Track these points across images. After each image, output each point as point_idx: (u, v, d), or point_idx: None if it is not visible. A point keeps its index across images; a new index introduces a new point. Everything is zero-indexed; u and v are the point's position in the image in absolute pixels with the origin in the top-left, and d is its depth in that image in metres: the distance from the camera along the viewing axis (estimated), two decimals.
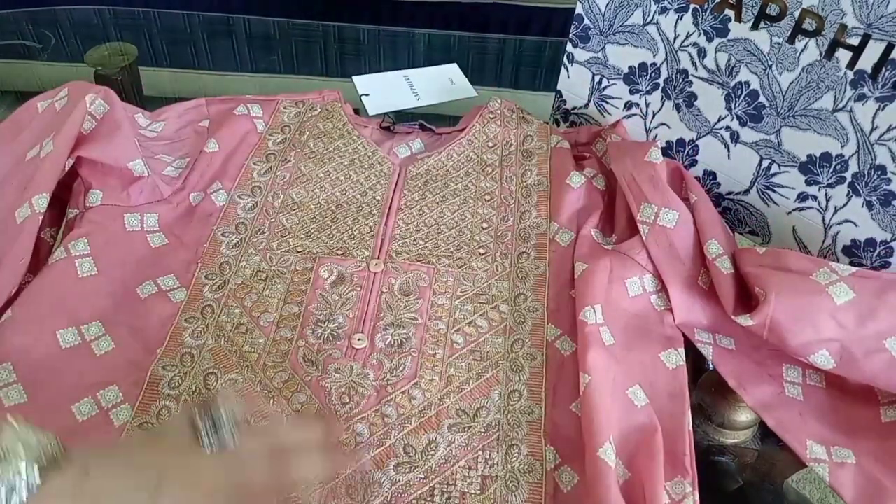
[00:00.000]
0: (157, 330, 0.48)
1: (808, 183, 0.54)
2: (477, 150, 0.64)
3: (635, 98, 0.63)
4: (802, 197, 0.54)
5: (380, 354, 0.47)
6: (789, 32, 0.50)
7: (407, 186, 0.60)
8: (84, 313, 0.48)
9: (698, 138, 0.60)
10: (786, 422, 0.44)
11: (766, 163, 0.56)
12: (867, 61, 0.47)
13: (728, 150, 0.58)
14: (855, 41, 0.47)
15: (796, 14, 0.49)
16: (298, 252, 0.54)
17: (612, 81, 0.64)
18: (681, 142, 0.61)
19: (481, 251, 0.55)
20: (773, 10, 0.50)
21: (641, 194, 0.53)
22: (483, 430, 0.43)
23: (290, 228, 0.56)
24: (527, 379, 0.46)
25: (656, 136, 0.63)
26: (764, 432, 0.48)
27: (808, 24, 0.49)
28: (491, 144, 0.65)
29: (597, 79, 0.65)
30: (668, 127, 0.61)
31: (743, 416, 0.48)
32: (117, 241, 0.52)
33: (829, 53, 0.49)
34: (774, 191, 0.56)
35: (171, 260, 0.53)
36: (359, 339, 0.48)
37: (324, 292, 0.51)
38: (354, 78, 0.79)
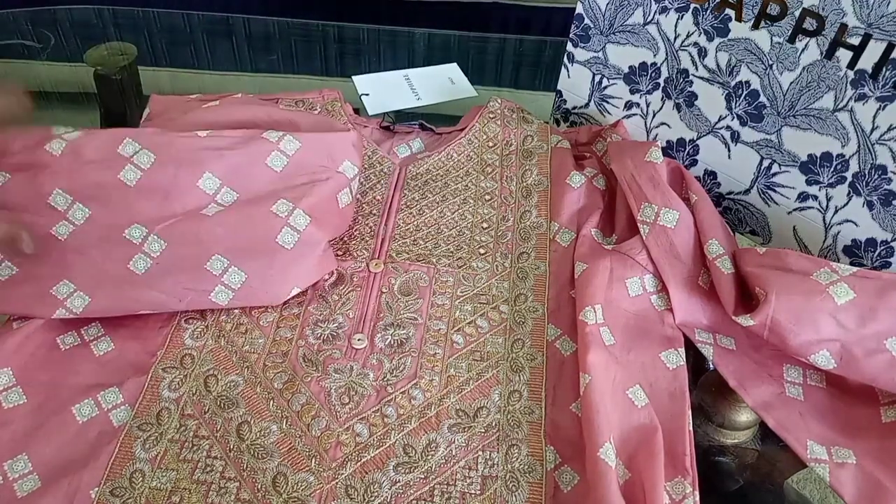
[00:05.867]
0: (157, 330, 0.48)
1: (809, 183, 0.53)
2: (477, 150, 0.64)
3: (635, 98, 0.63)
4: (803, 197, 0.54)
5: (380, 354, 0.47)
6: (790, 32, 0.50)
7: (407, 186, 0.60)
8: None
9: (698, 138, 0.59)
10: (786, 422, 0.44)
11: (766, 162, 0.56)
12: (868, 61, 0.47)
13: (728, 150, 0.58)
14: (855, 41, 0.47)
15: (797, 14, 0.49)
16: None
17: (612, 81, 0.64)
18: (681, 142, 0.61)
19: (481, 251, 0.55)
20: (773, 9, 0.50)
21: (642, 194, 0.53)
22: (483, 431, 0.43)
23: None
24: (527, 379, 0.46)
25: (656, 135, 0.63)
26: (764, 432, 0.48)
27: (809, 24, 0.49)
28: (491, 144, 0.65)
29: (597, 78, 0.65)
30: (669, 127, 0.61)
31: (743, 416, 0.47)
32: None
33: (830, 53, 0.49)
34: (775, 190, 0.56)
35: None
36: (358, 340, 0.48)
37: (323, 292, 0.51)
38: (354, 78, 0.79)
